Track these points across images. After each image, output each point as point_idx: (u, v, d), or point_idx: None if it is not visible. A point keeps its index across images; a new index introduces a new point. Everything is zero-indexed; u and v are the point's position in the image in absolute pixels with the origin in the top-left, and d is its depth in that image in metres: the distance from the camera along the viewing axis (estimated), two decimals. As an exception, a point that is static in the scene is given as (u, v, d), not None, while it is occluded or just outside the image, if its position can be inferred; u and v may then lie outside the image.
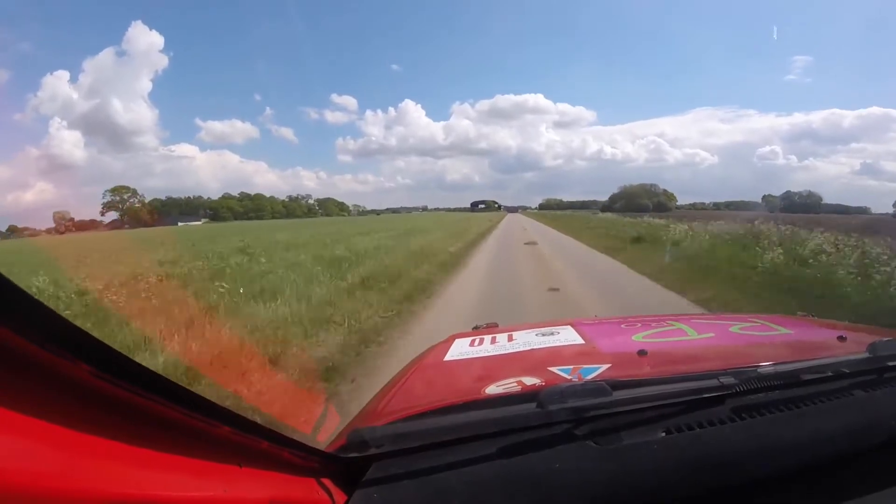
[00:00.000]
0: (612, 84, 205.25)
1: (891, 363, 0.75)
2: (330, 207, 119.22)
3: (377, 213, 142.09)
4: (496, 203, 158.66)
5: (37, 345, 0.31)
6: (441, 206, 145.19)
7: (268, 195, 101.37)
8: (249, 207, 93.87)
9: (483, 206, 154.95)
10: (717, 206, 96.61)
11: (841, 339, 1.01)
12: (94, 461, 0.35)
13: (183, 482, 0.41)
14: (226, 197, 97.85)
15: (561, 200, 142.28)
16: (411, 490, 0.57)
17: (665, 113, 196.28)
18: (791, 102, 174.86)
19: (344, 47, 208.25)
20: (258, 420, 0.52)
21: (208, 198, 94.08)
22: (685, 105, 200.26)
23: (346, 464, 0.62)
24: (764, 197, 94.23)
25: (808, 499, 0.58)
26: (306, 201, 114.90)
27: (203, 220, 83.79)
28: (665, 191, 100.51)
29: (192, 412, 0.43)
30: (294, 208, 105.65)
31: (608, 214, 50.30)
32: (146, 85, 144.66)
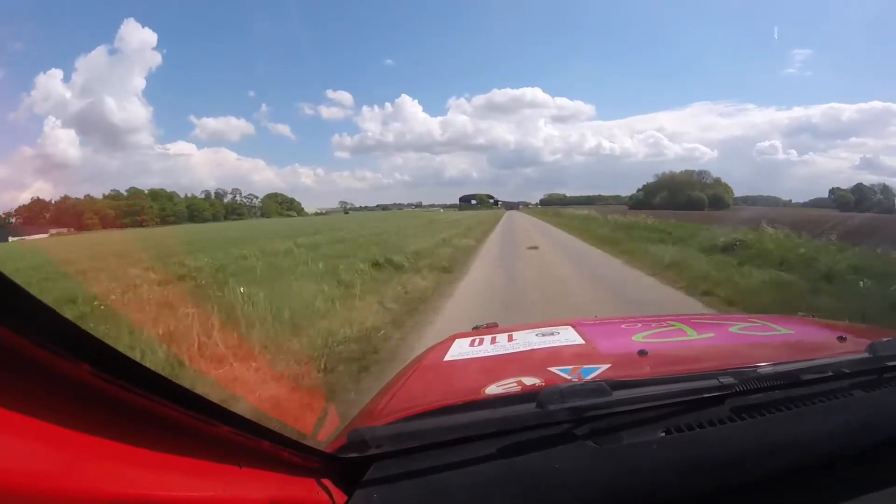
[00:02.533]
0: (610, 78, 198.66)
1: (890, 363, 0.75)
2: (270, 207, 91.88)
3: (346, 211, 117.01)
4: (492, 198, 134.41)
5: (37, 344, 0.31)
6: (437, 203, 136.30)
7: (169, 191, 75.04)
8: (124, 210, 66.55)
9: (475, 201, 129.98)
10: (735, 201, 79.63)
11: (841, 339, 1.01)
12: (94, 461, 0.34)
13: (183, 482, 0.41)
14: (111, 196, 70.58)
15: (564, 196, 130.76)
16: (411, 490, 0.57)
17: (664, 107, 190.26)
18: (791, 96, 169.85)
19: (336, 42, 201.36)
20: (258, 420, 0.52)
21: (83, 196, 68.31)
22: (684, 99, 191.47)
23: (347, 464, 0.62)
24: (832, 190, 75.97)
25: (807, 499, 0.58)
26: (234, 198, 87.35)
27: (52, 232, 56.69)
28: (718, 179, 73.43)
29: (192, 412, 0.43)
30: (201, 208, 77.95)
31: (626, 215, 31.87)
32: (139, 83, 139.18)
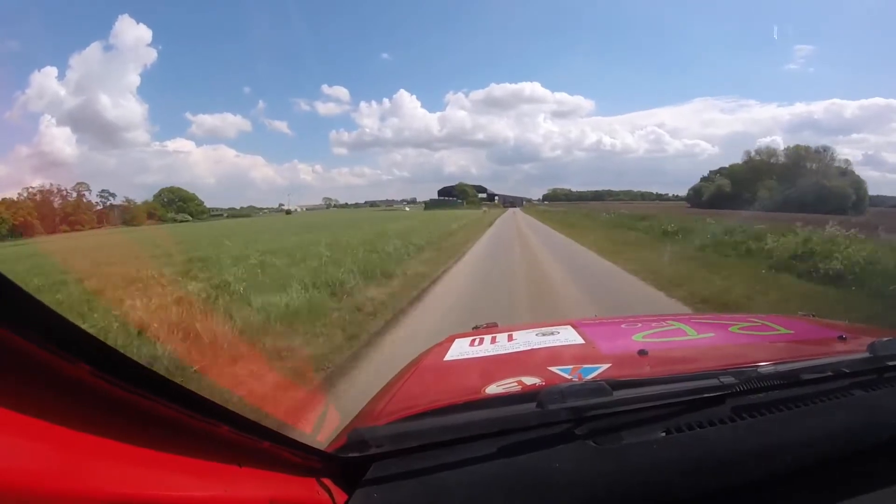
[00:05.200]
0: (610, 73, 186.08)
1: (890, 363, 0.75)
2: (138, 211, 62.76)
3: (288, 211, 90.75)
4: (483, 191, 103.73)
5: (37, 345, 0.31)
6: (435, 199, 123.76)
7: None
8: None
9: (455, 198, 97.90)
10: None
11: (841, 338, 1.01)
12: (94, 461, 0.34)
13: (183, 482, 0.41)
14: None
15: (570, 191, 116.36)
16: (411, 490, 0.57)
17: (665, 103, 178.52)
18: (792, 92, 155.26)
19: (331, 35, 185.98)
20: (258, 420, 0.51)
21: None
22: (685, 95, 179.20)
23: (347, 464, 0.62)
24: None
25: (808, 498, 0.58)
26: (78, 195, 57.83)
27: None
28: (847, 162, 43.50)
29: (192, 412, 0.42)
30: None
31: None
32: (134, 80, 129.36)
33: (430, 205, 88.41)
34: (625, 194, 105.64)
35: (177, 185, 74.16)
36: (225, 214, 79.74)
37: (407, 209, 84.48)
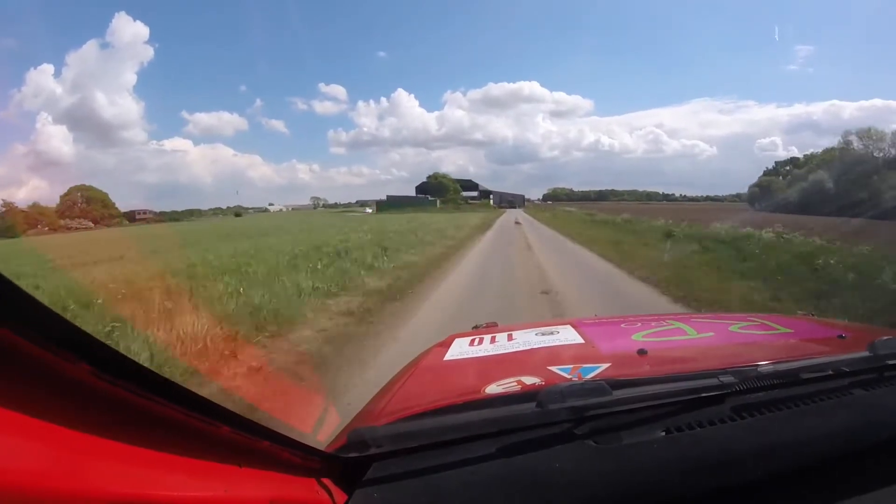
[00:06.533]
0: (609, 72, 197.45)
1: (890, 362, 0.74)
2: (17, 220, 51.39)
3: (237, 214, 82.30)
4: (475, 187, 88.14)
5: (37, 345, 0.31)
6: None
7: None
8: None
9: (427, 195, 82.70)
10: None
11: (841, 337, 1.02)
12: (94, 461, 0.34)
13: (183, 482, 0.41)
14: None
15: (571, 191, 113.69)
16: (411, 490, 0.57)
17: (663, 104, 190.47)
18: (791, 93, 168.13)
19: (327, 33, 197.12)
20: (258, 420, 0.51)
21: None
22: (684, 95, 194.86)
23: (347, 464, 0.62)
24: None
25: (807, 497, 0.58)
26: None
27: None
28: None
29: (192, 412, 0.42)
30: None
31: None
32: (130, 78, 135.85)
33: (384, 206, 68.93)
34: (629, 194, 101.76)
35: (90, 185, 63.34)
36: (152, 219, 68.97)
37: (367, 210, 72.50)
